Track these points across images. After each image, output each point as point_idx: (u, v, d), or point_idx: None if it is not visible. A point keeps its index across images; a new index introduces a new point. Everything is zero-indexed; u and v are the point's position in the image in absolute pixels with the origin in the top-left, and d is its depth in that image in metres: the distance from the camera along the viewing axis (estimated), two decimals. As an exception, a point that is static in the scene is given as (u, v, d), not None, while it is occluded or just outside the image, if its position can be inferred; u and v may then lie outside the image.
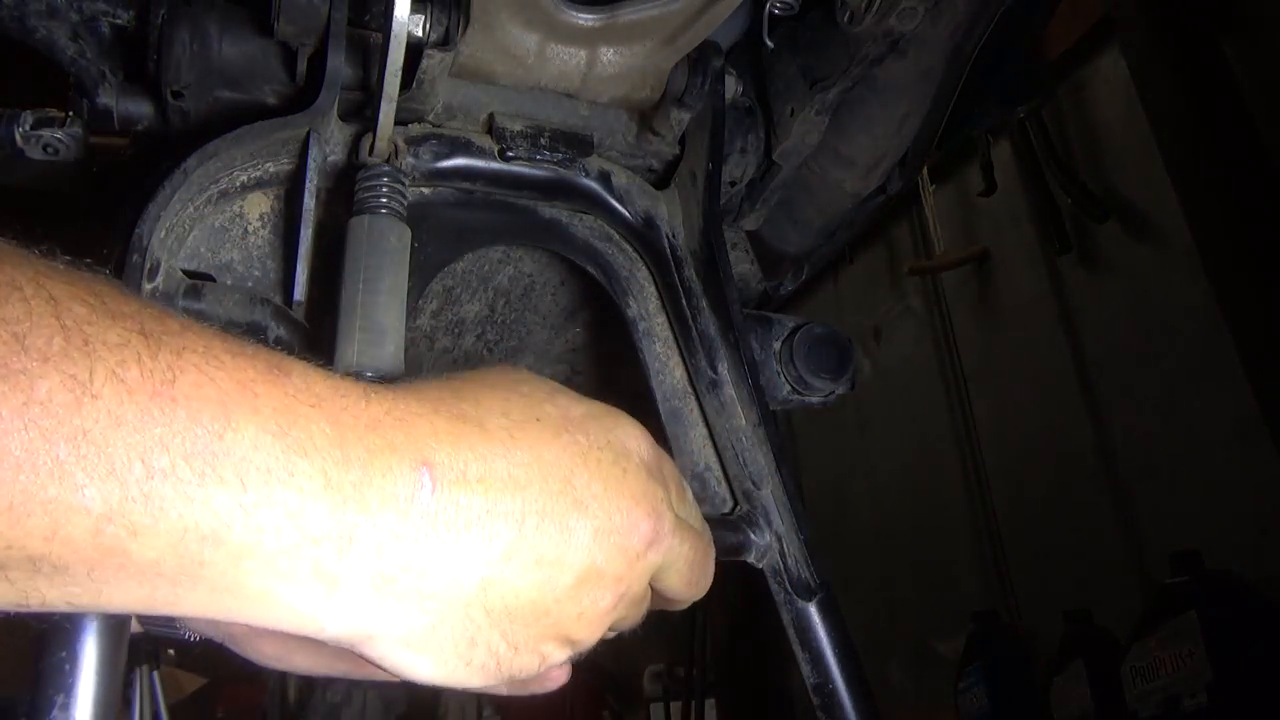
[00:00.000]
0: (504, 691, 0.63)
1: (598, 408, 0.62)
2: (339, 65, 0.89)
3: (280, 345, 0.83)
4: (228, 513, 0.45)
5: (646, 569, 0.59)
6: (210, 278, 0.88)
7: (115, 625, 0.58)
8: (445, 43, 0.91)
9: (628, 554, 0.57)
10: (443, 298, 1.23)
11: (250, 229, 0.91)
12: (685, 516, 0.65)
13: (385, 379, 0.71)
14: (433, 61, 0.92)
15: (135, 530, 0.44)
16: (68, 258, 0.47)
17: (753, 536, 0.92)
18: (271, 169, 0.89)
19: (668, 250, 1.05)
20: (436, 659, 0.54)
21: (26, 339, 0.41)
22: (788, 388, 1.05)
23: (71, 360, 0.42)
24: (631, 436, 0.61)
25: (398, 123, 0.91)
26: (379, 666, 0.54)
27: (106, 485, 0.42)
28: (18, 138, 0.91)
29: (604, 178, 1.06)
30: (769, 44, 1.02)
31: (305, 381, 0.50)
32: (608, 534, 0.56)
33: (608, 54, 1.00)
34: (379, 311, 0.77)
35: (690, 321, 1.00)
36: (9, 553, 0.42)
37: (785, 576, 0.91)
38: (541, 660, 0.57)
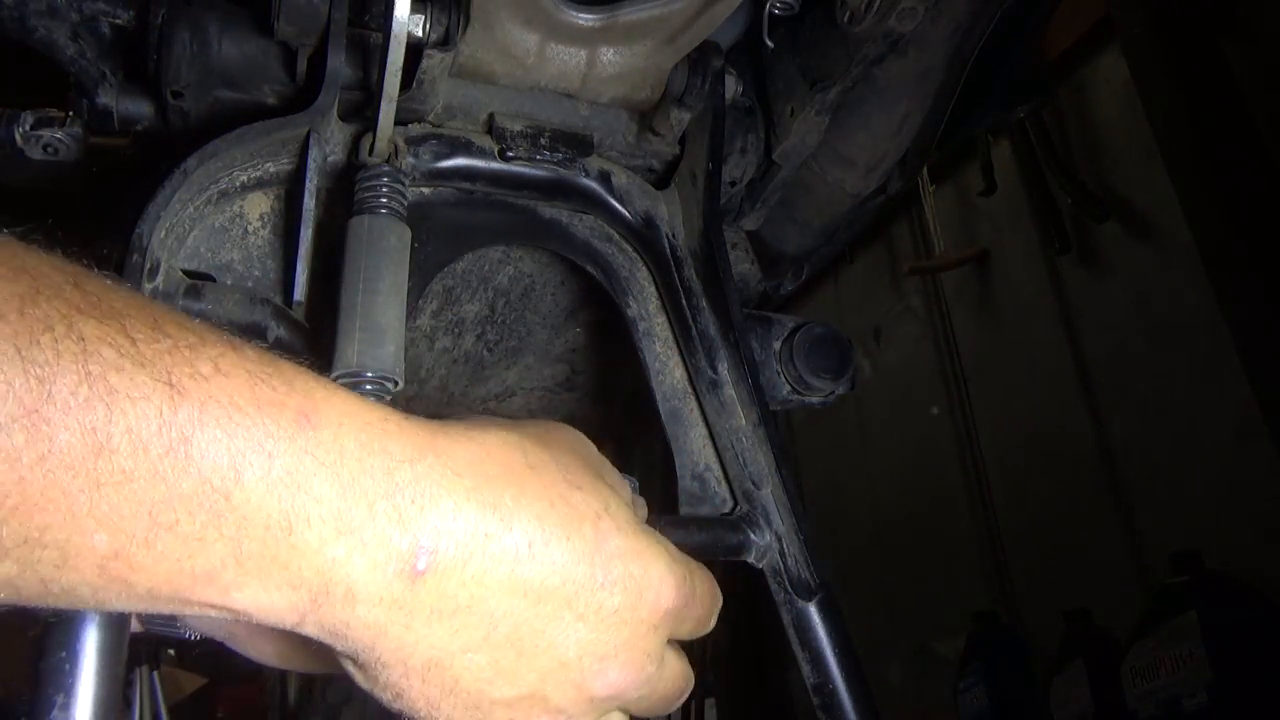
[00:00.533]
0: None
1: (643, 545, 0.58)
2: (339, 65, 0.89)
3: (280, 345, 0.83)
4: (221, 559, 0.48)
5: (601, 710, 0.59)
6: (210, 278, 0.88)
7: (115, 625, 0.58)
8: (445, 43, 0.91)
9: (583, 694, 0.57)
10: (443, 298, 1.23)
11: (250, 229, 0.91)
12: (674, 660, 0.63)
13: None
14: (433, 61, 0.92)
15: (136, 568, 0.46)
16: (107, 276, 0.47)
17: (753, 536, 0.92)
18: (271, 169, 0.89)
19: (668, 250, 1.05)
20: (375, 686, 0.56)
21: (52, 386, 0.42)
22: (788, 388, 1.05)
23: (93, 411, 0.43)
24: (653, 588, 0.58)
25: (398, 123, 0.91)
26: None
27: (115, 533, 0.45)
28: (18, 138, 0.91)
29: (604, 178, 1.06)
30: (769, 44, 1.02)
31: (334, 435, 0.50)
32: (570, 671, 0.56)
33: (608, 54, 1.00)
34: (379, 311, 0.76)
35: (690, 321, 1.00)
36: (22, 576, 0.45)
37: (785, 576, 0.91)
38: None
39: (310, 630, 0.52)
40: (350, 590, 0.50)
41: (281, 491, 0.48)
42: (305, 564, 0.49)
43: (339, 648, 0.54)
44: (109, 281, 0.48)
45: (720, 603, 0.67)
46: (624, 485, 0.67)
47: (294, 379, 0.51)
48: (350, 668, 0.56)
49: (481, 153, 1.00)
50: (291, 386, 0.50)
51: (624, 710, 0.61)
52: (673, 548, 0.62)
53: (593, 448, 0.65)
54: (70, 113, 0.94)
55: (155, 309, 0.48)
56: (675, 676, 0.63)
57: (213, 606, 0.50)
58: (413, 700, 0.55)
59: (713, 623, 0.66)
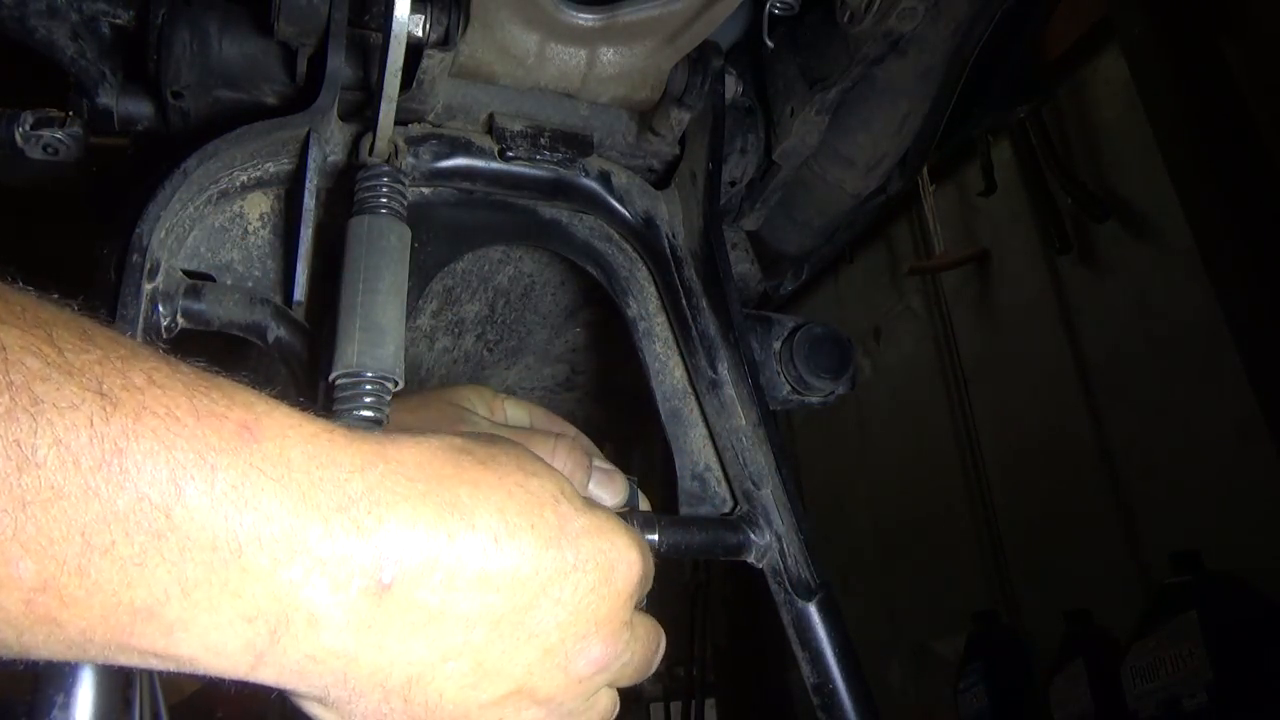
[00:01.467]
0: None
1: (601, 520, 0.58)
2: (339, 65, 0.89)
3: (280, 345, 0.83)
4: (165, 589, 0.44)
5: (589, 690, 0.58)
6: (210, 278, 0.88)
7: (115, 625, 0.58)
8: (445, 43, 0.91)
9: (570, 676, 0.55)
10: (443, 298, 1.23)
11: (250, 229, 0.91)
12: (642, 620, 0.62)
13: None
14: (433, 61, 0.92)
15: (67, 602, 0.42)
16: (36, 292, 0.44)
17: (753, 536, 0.92)
18: (271, 169, 0.89)
19: (668, 250, 1.05)
20: None
21: None
22: (788, 388, 1.05)
23: (16, 423, 0.40)
24: (622, 560, 0.57)
25: (398, 123, 0.91)
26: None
27: (43, 560, 0.41)
28: (18, 138, 0.91)
29: (604, 178, 1.06)
30: (769, 44, 1.02)
31: (279, 448, 0.47)
32: (554, 655, 0.54)
33: (608, 54, 1.00)
34: (379, 311, 0.76)
35: (690, 321, 1.00)
36: None
37: (785, 576, 0.91)
38: None
39: (268, 675, 0.48)
40: (312, 616, 0.47)
41: (227, 508, 0.44)
42: (260, 590, 0.45)
43: (302, 690, 0.50)
44: (37, 296, 0.45)
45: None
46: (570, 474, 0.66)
47: (233, 393, 0.48)
48: (316, 711, 0.52)
49: (481, 153, 1.00)
50: (231, 400, 0.47)
51: (611, 684, 0.60)
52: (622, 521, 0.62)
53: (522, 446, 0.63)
54: (70, 113, 0.94)
55: (86, 322, 0.45)
56: (648, 636, 0.62)
57: (155, 654, 0.46)
58: None
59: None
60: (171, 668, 0.47)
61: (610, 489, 0.83)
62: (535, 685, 0.55)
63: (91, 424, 0.41)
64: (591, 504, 0.59)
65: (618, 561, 0.57)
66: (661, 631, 0.65)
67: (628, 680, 0.62)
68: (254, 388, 0.50)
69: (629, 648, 0.59)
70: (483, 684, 0.53)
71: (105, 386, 0.42)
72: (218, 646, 0.46)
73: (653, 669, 0.65)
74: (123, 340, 0.46)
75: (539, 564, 0.53)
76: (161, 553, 0.43)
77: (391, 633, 0.49)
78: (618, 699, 0.63)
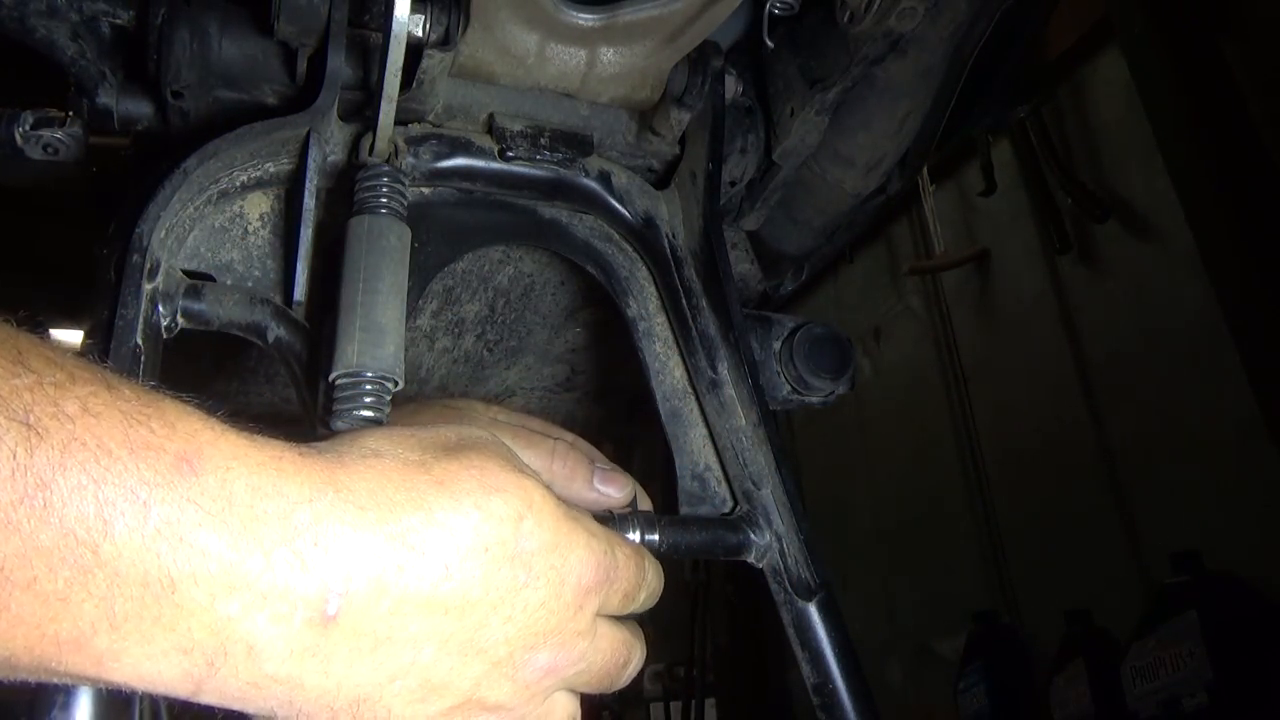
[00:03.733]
0: None
1: (560, 530, 0.56)
2: (339, 65, 0.89)
3: (280, 345, 0.83)
4: (92, 623, 0.43)
5: (538, 694, 0.57)
6: (210, 278, 0.88)
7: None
8: (445, 43, 0.91)
9: (517, 684, 0.55)
10: (443, 298, 1.23)
11: (250, 229, 0.91)
12: (609, 631, 0.61)
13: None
14: (433, 61, 0.92)
15: None
16: None
17: (753, 536, 0.92)
18: (271, 169, 0.89)
19: (668, 250, 1.05)
20: None
21: None
22: (788, 388, 1.05)
23: None
24: (573, 573, 0.56)
25: (398, 123, 0.91)
26: None
27: None
28: (18, 138, 0.91)
29: (604, 178, 1.06)
30: (769, 44, 1.02)
31: (220, 481, 0.45)
32: (502, 667, 0.54)
33: (608, 54, 1.00)
34: (379, 311, 0.76)
35: (690, 321, 1.00)
36: None
37: (785, 576, 0.91)
38: None
39: (210, 699, 0.48)
40: (252, 648, 0.46)
41: (160, 545, 0.43)
42: (195, 624, 0.44)
43: (250, 709, 0.50)
44: None
45: (652, 573, 0.66)
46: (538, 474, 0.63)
47: (177, 420, 0.46)
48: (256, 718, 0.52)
49: (481, 153, 1.00)
50: (173, 429, 0.45)
51: (568, 688, 0.60)
52: (593, 524, 0.60)
53: (504, 445, 0.61)
54: (70, 113, 0.94)
55: (24, 340, 0.44)
56: (612, 647, 0.61)
57: (87, 678, 0.45)
58: None
59: (645, 594, 0.64)
60: (112, 687, 0.47)
61: (616, 484, 0.83)
62: (484, 695, 0.54)
63: (15, 456, 0.40)
64: (563, 514, 0.58)
65: (568, 575, 0.56)
66: (639, 644, 0.64)
67: (586, 687, 0.62)
68: (207, 410, 0.48)
69: (585, 657, 0.59)
70: (430, 698, 0.53)
71: (33, 416, 0.41)
72: (152, 676, 0.45)
73: (620, 680, 0.64)
74: (62, 362, 0.44)
75: (490, 585, 0.53)
76: (88, 588, 0.42)
77: (337, 659, 0.49)
78: (577, 703, 0.62)
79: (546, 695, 0.58)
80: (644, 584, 0.64)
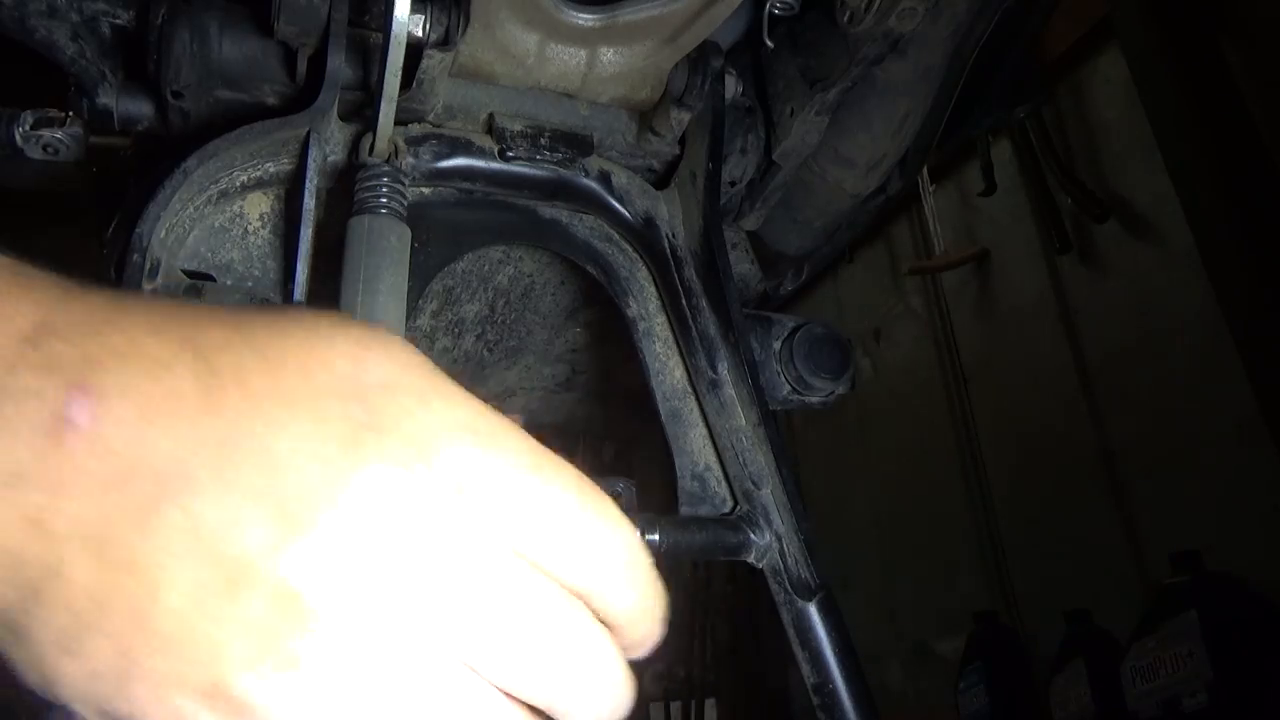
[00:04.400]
0: None
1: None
2: (339, 65, 0.89)
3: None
4: None
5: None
6: (210, 278, 0.88)
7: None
8: (445, 43, 0.91)
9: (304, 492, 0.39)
10: (443, 298, 1.23)
11: (250, 229, 0.91)
12: None
13: None
14: (433, 61, 0.92)
15: None
16: None
17: (753, 536, 0.92)
18: (271, 169, 0.89)
19: (668, 250, 1.05)
20: (34, 636, 0.39)
21: None
22: (788, 388, 1.05)
23: None
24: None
25: (398, 123, 0.91)
26: None
27: None
28: (18, 138, 0.91)
29: (604, 178, 1.06)
30: (769, 44, 1.02)
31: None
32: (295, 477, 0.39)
33: (608, 54, 1.00)
34: (379, 311, 0.76)
35: (690, 321, 1.00)
36: None
37: (785, 576, 0.91)
38: None
39: None
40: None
41: None
42: None
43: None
44: None
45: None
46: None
47: None
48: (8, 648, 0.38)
49: (481, 153, 1.00)
50: None
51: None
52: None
53: None
54: (70, 113, 0.94)
55: None
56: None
57: None
58: (89, 617, 0.36)
59: None
60: None
61: None
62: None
63: None
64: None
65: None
66: None
67: None
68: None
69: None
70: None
71: None
72: None
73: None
74: None
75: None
76: None
77: (79, 489, 0.35)
78: None
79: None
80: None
